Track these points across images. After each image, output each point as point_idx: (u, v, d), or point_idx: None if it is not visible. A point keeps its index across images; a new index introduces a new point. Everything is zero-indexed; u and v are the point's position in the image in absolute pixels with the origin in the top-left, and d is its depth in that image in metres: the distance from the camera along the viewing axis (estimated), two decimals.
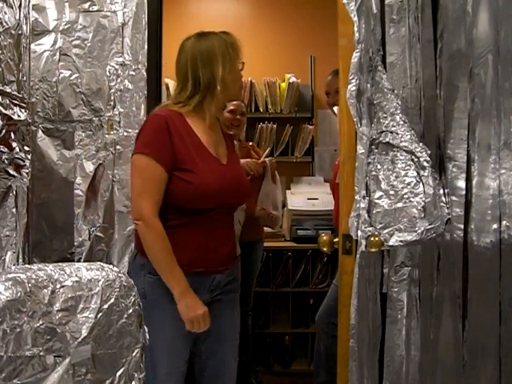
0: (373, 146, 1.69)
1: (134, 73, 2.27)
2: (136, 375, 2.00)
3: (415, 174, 1.67)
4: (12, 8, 2.08)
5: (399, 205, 1.66)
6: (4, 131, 1.99)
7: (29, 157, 2.19)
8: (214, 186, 1.80)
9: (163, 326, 1.86)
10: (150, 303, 1.85)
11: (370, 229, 1.63)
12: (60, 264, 1.96)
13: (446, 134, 1.80)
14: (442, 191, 1.71)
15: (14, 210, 2.08)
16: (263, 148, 3.69)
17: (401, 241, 1.63)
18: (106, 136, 2.29)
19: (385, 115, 1.71)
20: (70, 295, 1.83)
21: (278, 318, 3.60)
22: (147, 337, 2.11)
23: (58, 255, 2.29)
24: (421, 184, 1.66)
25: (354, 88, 1.64)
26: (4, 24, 2.01)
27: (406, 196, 1.66)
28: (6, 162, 2.02)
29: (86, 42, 2.29)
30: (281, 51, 4.08)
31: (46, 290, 1.77)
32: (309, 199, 3.66)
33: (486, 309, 1.71)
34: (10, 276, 1.73)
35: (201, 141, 1.85)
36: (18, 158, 2.11)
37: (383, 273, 1.88)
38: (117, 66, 2.28)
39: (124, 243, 2.27)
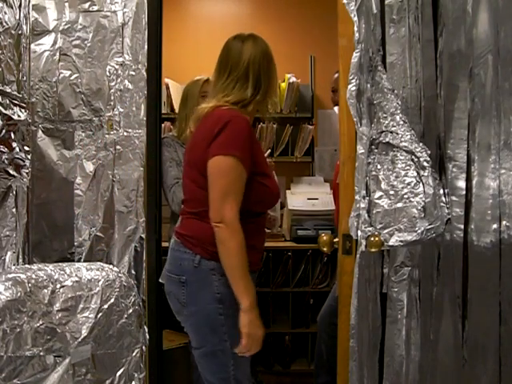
0: (373, 146, 1.70)
1: (133, 73, 2.27)
2: (136, 375, 2.01)
3: (415, 173, 1.67)
4: (12, 8, 2.08)
5: (399, 205, 1.66)
6: (4, 131, 1.99)
7: (29, 157, 2.19)
8: (278, 190, 1.93)
9: None
10: (229, 306, 1.75)
11: (370, 229, 1.63)
12: (60, 264, 1.96)
13: (446, 134, 1.80)
14: (441, 191, 1.71)
15: (13, 210, 2.08)
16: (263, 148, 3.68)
17: (401, 241, 1.63)
18: (106, 136, 2.29)
19: (385, 115, 1.71)
20: (70, 295, 1.83)
21: (278, 318, 3.60)
22: (147, 336, 2.11)
23: (57, 255, 2.29)
24: (421, 184, 1.66)
25: (354, 88, 1.64)
26: (4, 24, 2.01)
27: (405, 196, 1.66)
28: (5, 161, 2.02)
29: (86, 41, 2.29)
30: (281, 51, 4.05)
31: (45, 290, 1.77)
32: (309, 199, 3.66)
33: (485, 309, 1.71)
34: (10, 276, 1.73)
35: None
36: (18, 158, 2.11)
37: (383, 273, 1.88)
38: (117, 66, 2.28)
39: (124, 243, 2.27)
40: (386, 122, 1.71)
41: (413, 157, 1.68)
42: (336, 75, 2.80)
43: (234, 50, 1.89)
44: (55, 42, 2.30)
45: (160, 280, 2.32)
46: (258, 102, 1.86)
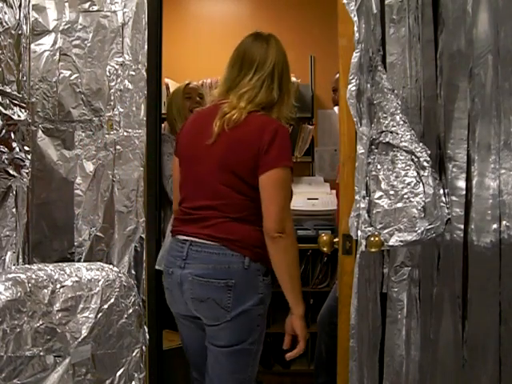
0: (373, 146, 1.70)
1: (134, 73, 2.27)
2: (136, 375, 2.01)
3: (415, 173, 1.67)
4: (12, 8, 2.08)
5: (399, 205, 1.66)
6: (4, 131, 1.99)
7: (29, 157, 2.19)
8: None
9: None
10: (266, 307, 1.86)
11: (370, 229, 1.63)
12: (60, 264, 1.96)
13: (446, 134, 1.80)
14: (442, 191, 1.71)
15: (13, 210, 2.08)
16: None
17: (401, 241, 1.63)
18: (106, 136, 2.29)
19: (385, 115, 1.71)
20: (70, 295, 1.83)
21: (278, 318, 3.58)
22: (147, 337, 2.11)
23: (57, 255, 2.29)
24: (421, 184, 1.66)
25: (354, 88, 1.64)
26: (4, 24, 2.01)
27: (406, 196, 1.66)
28: (5, 161, 2.02)
29: (86, 41, 2.29)
30: None
31: (45, 290, 1.77)
32: (309, 199, 3.65)
33: (485, 309, 1.71)
34: (10, 276, 1.73)
35: None
36: (18, 158, 2.11)
37: (383, 273, 1.88)
38: (117, 66, 2.28)
39: (124, 243, 2.27)
40: (386, 121, 1.71)
41: (413, 157, 1.68)
42: (337, 75, 2.79)
43: (260, 48, 1.88)
44: (55, 42, 2.30)
45: (157, 267, 2.33)
46: (281, 104, 1.88)
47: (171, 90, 3.69)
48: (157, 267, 2.37)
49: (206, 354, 1.87)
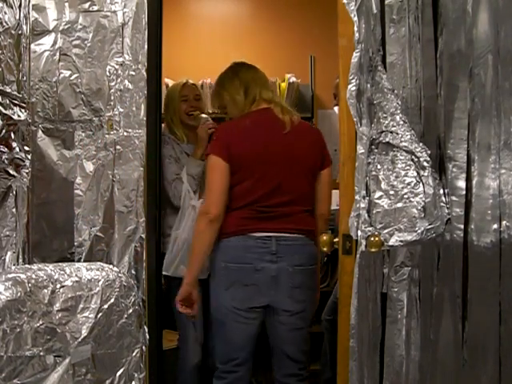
0: (373, 146, 1.69)
1: (133, 73, 2.26)
2: (136, 375, 2.01)
3: (415, 173, 1.67)
4: (12, 8, 2.07)
5: (399, 205, 1.66)
6: (4, 131, 1.99)
7: (29, 157, 2.19)
8: None
9: None
10: None
11: (370, 229, 1.63)
12: (60, 264, 1.96)
13: (446, 134, 1.80)
14: (442, 191, 1.71)
15: (13, 210, 2.08)
16: None
17: (401, 241, 1.63)
18: (106, 136, 2.29)
19: (385, 115, 1.71)
20: (70, 295, 1.83)
21: None
22: (147, 337, 2.11)
23: (58, 255, 2.29)
24: (421, 184, 1.66)
25: (354, 88, 1.64)
26: (4, 24, 2.01)
27: (406, 196, 1.66)
28: (5, 161, 2.01)
29: (86, 41, 2.29)
30: (281, 51, 4.08)
31: (45, 290, 1.77)
32: None
33: (485, 309, 1.71)
34: (10, 276, 1.73)
35: None
36: (18, 158, 2.11)
37: (383, 273, 1.88)
38: (117, 66, 2.28)
39: (124, 243, 2.26)
40: (386, 121, 1.71)
41: (413, 157, 1.68)
42: (337, 80, 2.80)
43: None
44: (55, 42, 2.30)
45: (165, 272, 2.35)
46: None
47: None
48: (164, 273, 2.38)
49: (252, 343, 2.12)
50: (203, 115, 2.62)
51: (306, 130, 2.22)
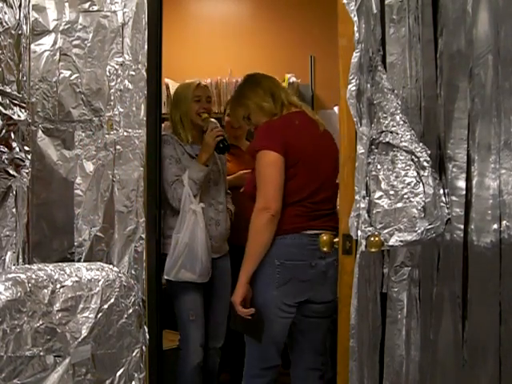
0: (373, 146, 1.69)
1: (134, 73, 2.27)
2: (136, 375, 2.01)
3: (415, 173, 1.67)
4: (12, 8, 2.08)
5: (399, 205, 1.66)
6: (4, 131, 1.99)
7: (29, 157, 2.19)
8: None
9: None
10: None
11: (370, 229, 1.63)
12: (60, 264, 1.96)
13: (446, 134, 1.80)
14: (442, 191, 1.71)
15: (13, 210, 2.08)
16: None
17: (401, 241, 1.63)
18: (106, 136, 2.29)
19: (385, 115, 1.71)
20: (70, 295, 1.83)
21: None
22: (147, 337, 2.11)
23: (57, 255, 2.29)
24: (421, 184, 1.66)
25: (354, 88, 1.64)
26: (4, 24, 2.01)
27: (406, 196, 1.66)
28: (5, 161, 2.02)
29: (86, 41, 2.29)
30: (281, 51, 4.08)
31: (45, 290, 1.77)
32: None
33: (485, 309, 1.71)
34: (10, 276, 1.73)
35: None
36: (18, 158, 2.11)
37: (383, 273, 1.88)
38: (117, 66, 2.28)
39: (124, 243, 2.27)
40: (386, 121, 1.70)
41: (413, 157, 1.68)
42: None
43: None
44: (55, 42, 2.30)
45: (166, 277, 2.35)
46: None
47: (171, 90, 3.68)
48: (165, 277, 2.38)
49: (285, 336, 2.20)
50: (212, 119, 2.60)
51: (328, 130, 2.30)
